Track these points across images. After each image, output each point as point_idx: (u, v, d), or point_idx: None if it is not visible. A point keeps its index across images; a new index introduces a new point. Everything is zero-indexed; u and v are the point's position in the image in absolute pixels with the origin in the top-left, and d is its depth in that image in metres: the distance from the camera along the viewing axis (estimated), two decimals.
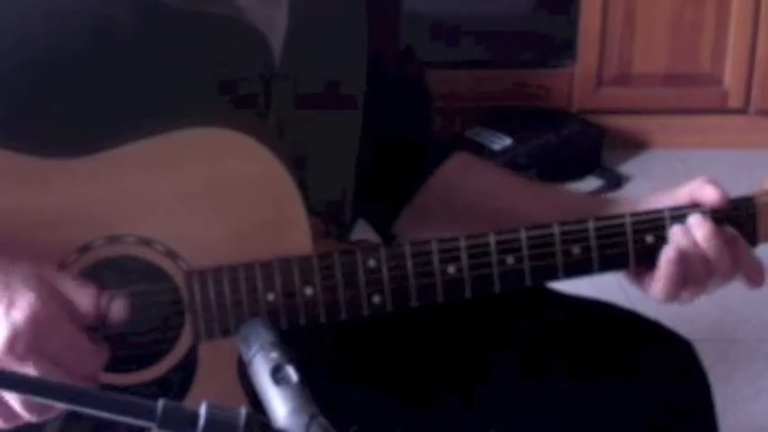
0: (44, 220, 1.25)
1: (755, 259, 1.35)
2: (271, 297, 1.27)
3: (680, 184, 1.38)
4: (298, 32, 1.35)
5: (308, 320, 1.28)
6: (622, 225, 1.32)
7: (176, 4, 1.27)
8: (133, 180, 1.26)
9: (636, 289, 1.38)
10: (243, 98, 1.32)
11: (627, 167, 3.54)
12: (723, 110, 3.65)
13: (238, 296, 1.27)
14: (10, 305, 1.18)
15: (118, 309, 1.24)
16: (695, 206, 1.34)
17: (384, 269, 1.29)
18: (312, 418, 0.95)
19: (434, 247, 1.30)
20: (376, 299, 1.30)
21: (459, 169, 1.52)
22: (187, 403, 0.93)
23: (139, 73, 1.27)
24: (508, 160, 3.39)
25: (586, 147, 3.52)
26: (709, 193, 1.33)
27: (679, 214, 1.33)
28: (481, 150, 3.39)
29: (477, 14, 3.59)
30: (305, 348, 1.13)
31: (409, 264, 1.30)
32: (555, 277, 1.33)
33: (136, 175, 1.26)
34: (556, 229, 1.31)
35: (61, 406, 0.96)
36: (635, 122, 3.65)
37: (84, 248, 1.25)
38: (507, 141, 3.44)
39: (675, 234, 1.32)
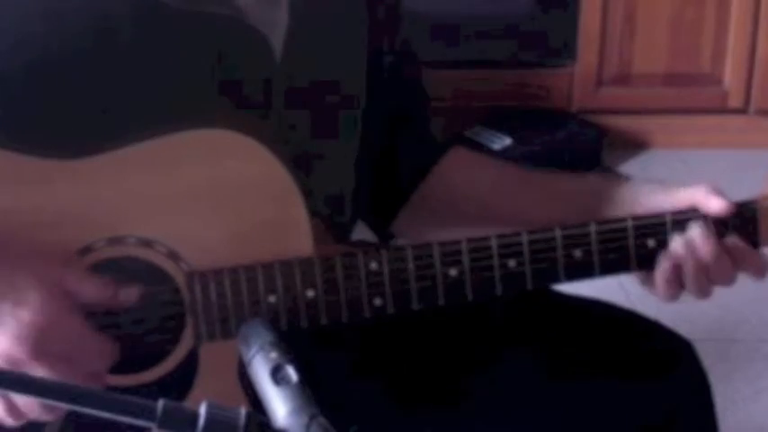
0: (45, 221, 1.25)
1: (758, 258, 1.35)
2: (272, 299, 1.27)
3: (680, 184, 1.38)
4: (298, 32, 1.35)
5: (309, 322, 1.28)
6: (624, 229, 1.32)
7: (176, 4, 1.27)
8: (134, 181, 1.26)
9: (638, 289, 1.38)
10: (244, 99, 1.32)
11: (627, 167, 3.54)
12: (723, 110, 3.65)
13: (239, 298, 1.27)
14: (16, 304, 1.19)
15: (127, 294, 1.25)
16: (696, 210, 1.33)
17: (386, 271, 1.29)
18: (312, 418, 0.95)
19: (436, 249, 1.30)
20: (377, 301, 1.30)
21: (457, 165, 1.52)
22: (188, 404, 0.93)
23: (140, 73, 1.27)
24: (508, 160, 3.38)
25: (586, 146, 3.52)
26: (714, 205, 1.33)
27: (681, 219, 1.33)
28: (481, 150, 3.39)
29: (476, 14, 3.59)
30: (305, 348, 1.13)
31: (411, 266, 1.29)
32: (556, 280, 1.33)
33: (137, 176, 1.25)
34: (557, 233, 1.31)
35: (61, 406, 0.96)
36: (635, 122, 3.65)
37: (86, 249, 1.25)
38: (507, 141, 3.44)
39: (676, 248, 1.32)
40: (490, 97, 3.61)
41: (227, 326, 1.27)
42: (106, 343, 1.24)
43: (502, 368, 1.44)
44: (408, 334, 1.43)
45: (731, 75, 3.62)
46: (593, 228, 1.32)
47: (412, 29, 1.55)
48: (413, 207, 1.52)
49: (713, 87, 3.64)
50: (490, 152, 3.40)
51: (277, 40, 1.34)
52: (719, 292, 1.37)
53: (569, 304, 1.49)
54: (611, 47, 3.59)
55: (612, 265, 1.33)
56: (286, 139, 1.34)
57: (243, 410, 0.92)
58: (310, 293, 1.28)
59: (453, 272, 1.30)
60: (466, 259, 1.30)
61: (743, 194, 1.36)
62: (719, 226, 1.32)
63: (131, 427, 0.92)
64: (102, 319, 1.26)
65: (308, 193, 1.29)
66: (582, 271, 1.32)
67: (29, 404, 1.20)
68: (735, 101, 3.64)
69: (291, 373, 1.01)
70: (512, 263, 1.31)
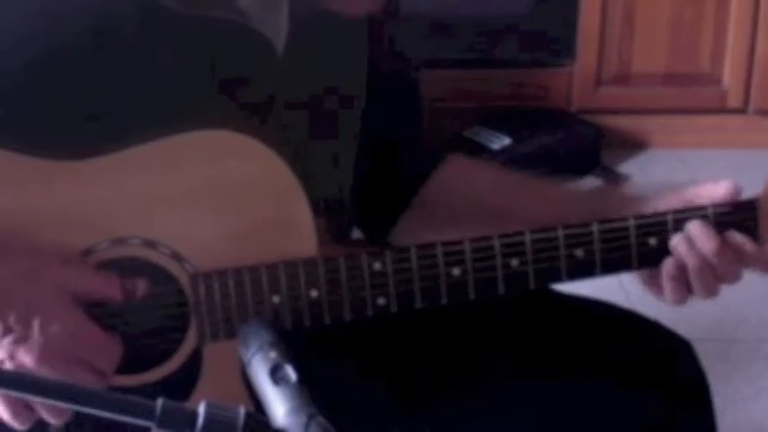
0: (47, 222, 1.25)
1: (762, 251, 1.34)
2: (276, 299, 1.28)
3: (680, 184, 1.38)
4: (298, 36, 1.35)
5: (312, 322, 1.29)
6: (626, 228, 1.32)
7: (177, 7, 1.27)
8: (136, 182, 1.26)
9: (637, 289, 1.38)
10: (246, 101, 1.32)
11: (626, 167, 3.54)
12: (722, 110, 3.65)
13: (243, 298, 1.27)
14: (46, 321, 1.19)
15: (134, 288, 1.26)
16: (698, 209, 1.33)
17: (389, 271, 1.29)
18: (311, 417, 0.95)
19: (439, 249, 1.30)
20: (380, 301, 1.30)
21: (454, 173, 1.52)
22: (191, 405, 0.93)
23: (140, 75, 1.27)
24: (507, 160, 3.38)
25: (585, 146, 3.52)
26: (721, 187, 1.33)
27: (682, 217, 1.33)
28: (480, 150, 3.39)
29: (476, 14, 3.59)
30: (304, 348, 1.13)
31: (414, 266, 1.30)
32: (558, 280, 1.33)
33: (138, 177, 1.26)
34: (560, 233, 1.31)
35: (61, 406, 0.96)
36: (634, 122, 3.65)
37: (89, 251, 1.26)
38: (506, 141, 3.44)
39: (677, 245, 1.32)
40: (489, 97, 3.61)
41: (230, 326, 1.27)
42: (112, 341, 1.24)
43: (501, 368, 1.44)
44: (408, 334, 1.43)
45: (730, 75, 3.62)
46: (595, 227, 1.32)
47: (411, 28, 1.55)
48: (412, 213, 1.52)
49: (712, 87, 3.64)
50: (489, 152, 3.40)
51: (279, 43, 1.34)
52: (719, 292, 1.37)
53: (569, 304, 1.50)
54: (611, 47, 3.59)
55: (614, 265, 1.33)
56: (286, 141, 1.34)
57: (242, 410, 0.92)
58: (314, 293, 1.28)
59: (456, 271, 1.30)
60: (469, 259, 1.30)
61: (742, 194, 1.36)
62: (720, 225, 1.32)
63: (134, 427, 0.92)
64: (107, 319, 1.26)
65: (307, 195, 1.29)
66: (584, 270, 1.32)
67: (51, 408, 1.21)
68: (734, 101, 3.64)
69: (290, 372, 1.01)
70: (514, 262, 1.31)
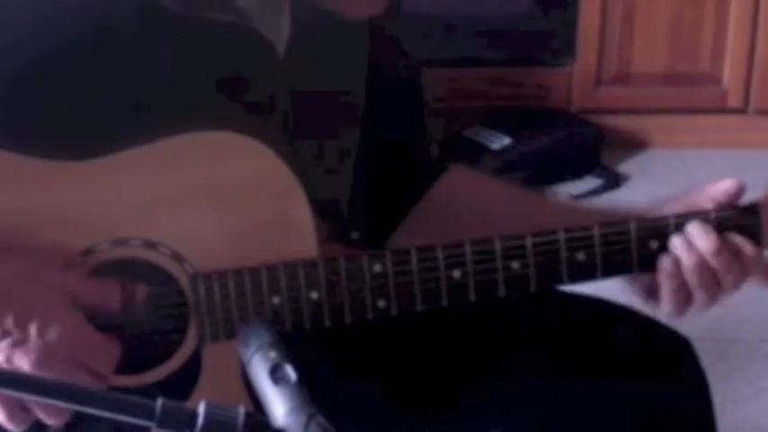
0: (48, 222, 1.25)
1: (761, 257, 1.34)
2: (276, 300, 1.28)
3: (679, 184, 1.38)
4: (300, 39, 1.35)
5: (312, 324, 1.29)
6: (627, 231, 1.32)
7: (177, 8, 1.27)
8: (137, 183, 1.26)
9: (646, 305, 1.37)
10: (248, 102, 1.32)
11: (626, 167, 3.54)
12: (722, 109, 3.65)
13: (243, 299, 1.27)
14: (44, 324, 1.19)
15: (141, 293, 1.26)
16: (701, 212, 1.33)
17: (390, 273, 1.29)
18: (311, 417, 0.95)
19: (440, 251, 1.30)
20: (381, 303, 1.30)
21: (456, 183, 1.52)
22: (190, 405, 0.93)
23: (140, 76, 1.27)
24: (507, 160, 3.39)
25: (585, 146, 3.52)
26: (724, 184, 1.33)
27: (684, 221, 1.32)
28: (480, 150, 3.39)
29: (475, 13, 3.59)
30: (304, 347, 1.13)
31: (415, 268, 1.30)
32: (559, 282, 1.33)
33: (139, 178, 1.26)
34: (561, 235, 1.31)
35: (61, 406, 0.96)
36: (634, 122, 3.65)
37: (89, 251, 1.26)
38: (506, 141, 3.44)
39: (678, 248, 1.31)
40: (489, 97, 3.61)
41: (230, 327, 1.27)
42: (111, 343, 1.24)
43: (501, 367, 1.44)
44: (408, 333, 1.43)
45: (730, 74, 3.62)
46: (596, 230, 1.32)
47: (410, 27, 1.55)
48: (412, 220, 1.51)
49: (712, 87, 3.64)
50: (489, 152, 3.40)
51: (281, 45, 1.34)
52: (718, 298, 1.36)
53: (569, 302, 1.49)
54: (611, 46, 3.59)
55: (616, 267, 1.33)
56: (287, 142, 1.34)
57: (242, 410, 0.93)
58: (314, 295, 1.28)
59: (457, 274, 1.30)
60: (469, 261, 1.30)
61: (745, 192, 1.35)
62: (722, 228, 1.32)
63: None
64: (106, 319, 1.26)
65: (308, 196, 1.29)
66: (585, 273, 1.32)
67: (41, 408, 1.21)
68: (734, 100, 3.64)
69: (290, 372, 1.01)
70: (515, 265, 1.31)
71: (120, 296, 1.25)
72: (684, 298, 1.32)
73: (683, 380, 1.45)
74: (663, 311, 1.34)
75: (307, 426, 0.94)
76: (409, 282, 1.30)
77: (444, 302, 1.31)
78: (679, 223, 1.32)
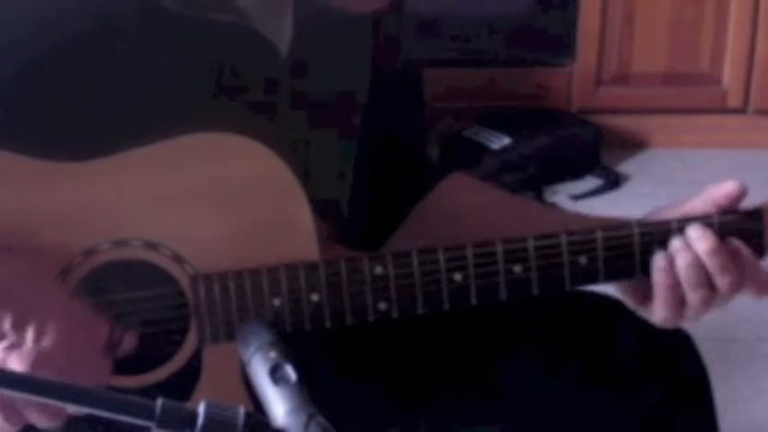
0: (48, 223, 1.25)
1: (762, 270, 1.33)
2: (276, 302, 1.27)
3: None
4: (303, 40, 1.35)
5: (313, 325, 1.28)
6: (630, 236, 1.31)
7: (177, 8, 1.27)
8: (137, 183, 1.26)
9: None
10: (249, 103, 1.32)
11: (626, 167, 3.54)
12: (722, 109, 3.65)
13: (244, 301, 1.27)
14: (40, 330, 1.20)
15: (128, 342, 1.26)
16: (704, 216, 1.32)
17: (391, 276, 1.29)
18: (311, 417, 0.95)
19: (441, 254, 1.30)
20: (382, 305, 1.30)
21: (453, 191, 1.52)
22: (191, 406, 0.93)
23: (140, 76, 1.27)
24: (507, 160, 3.39)
25: (585, 146, 3.52)
26: (726, 186, 1.32)
27: (686, 225, 1.32)
28: (480, 150, 3.39)
29: (475, 13, 3.59)
30: (304, 347, 1.13)
31: (416, 271, 1.29)
32: (562, 286, 1.32)
33: (140, 179, 1.26)
34: (563, 239, 1.31)
35: (61, 405, 0.96)
36: (634, 122, 3.65)
37: (90, 251, 1.25)
38: (506, 141, 3.44)
39: (675, 248, 1.31)
40: (489, 97, 3.61)
41: (231, 328, 1.27)
42: (106, 360, 1.24)
43: (501, 367, 1.44)
44: (407, 333, 1.43)
45: (730, 74, 3.62)
46: (599, 234, 1.31)
47: (410, 27, 1.55)
48: (405, 231, 1.51)
49: (712, 87, 3.64)
50: (489, 152, 3.40)
51: (283, 46, 1.34)
52: (711, 305, 1.34)
53: (569, 298, 1.49)
54: (611, 46, 3.59)
55: (618, 272, 1.32)
56: (288, 142, 1.34)
57: (242, 410, 0.92)
58: (315, 297, 1.28)
59: (458, 277, 1.30)
60: (471, 264, 1.30)
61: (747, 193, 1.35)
62: (724, 233, 1.31)
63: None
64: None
65: (309, 197, 1.29)
66: (587, 277, 1.32)
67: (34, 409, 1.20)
68: (734, 100, 3.64)
69: (290, 372, 1.01)
70: (517, 268, 1.30)
71: (107, 338, 1.24)
72: (677, 299, 1.31)
73: (685, 377, 1.45)
74: (655, 315, 1.33)
75: (307, 426, 0.94)
76: (410, 284, 1.29)
77: (446, 306, 1.30)
78: (681, 227, 1.32)
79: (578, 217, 1.52)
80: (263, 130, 1.30)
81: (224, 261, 1.27)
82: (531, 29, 3.59)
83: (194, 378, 1.28)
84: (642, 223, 1.32)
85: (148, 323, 1.28)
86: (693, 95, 3.65)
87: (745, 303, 1.35)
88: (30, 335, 1.19)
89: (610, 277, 1.33)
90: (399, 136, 1.51)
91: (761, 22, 3.56)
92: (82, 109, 1.25)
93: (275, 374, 1.01)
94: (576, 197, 3.37)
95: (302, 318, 1.28)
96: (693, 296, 1.30)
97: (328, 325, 1.29)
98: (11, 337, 1.19)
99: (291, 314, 1.28)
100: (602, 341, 1.46)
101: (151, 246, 1.26)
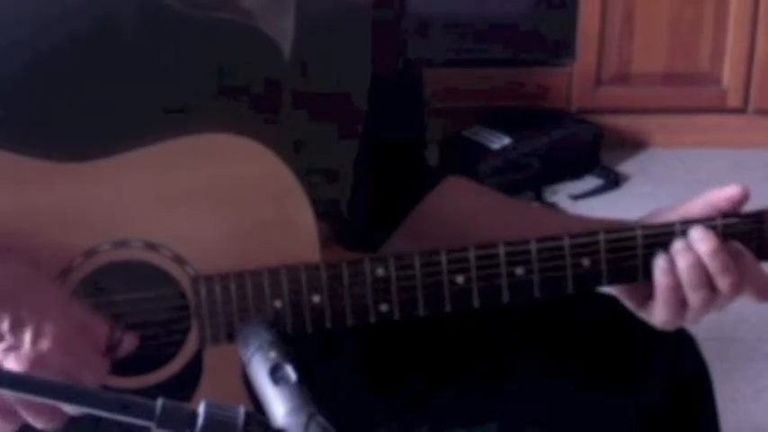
0: (48, 223, 1.25)
1: (763, 273, 1.33)
2: (278, 304, 1.27)
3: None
4: (304, 40, 1.35)
5: (314, 327, 1.28)
6: (633, 238, 1.31)
7: (180, 7, 1.27)
8: (137, 184, 1.26)
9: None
10: (251, 102, 1.32)
11: (626, 167, 3.54)
12: (722, 109, 3.65)
13: (245, 302, 1.27)
14: (38, 332, 1.19)
15: (128, 343, 1.25)
16: (707, 219, 1.31)
17: (392, 278, 1.29)
18: (311, 417, 0.95)
19: (443, 256, 1.29)
20: (383, 307, 1.29)
21: (450, 194, 1.51)
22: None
23: (142, 76, 1.27)
24: (507, 160, 3.39)
25: (585, 146, 3.52)
26: (729, 190, 1.32)
27: (690, 228, 1.31)
28: (480, 150, 3.39)
29: (475, 13, 3.59)
30: (303, 347, 1.13)
31: (418, 273, 1.29)
32: (564, 289, 1.31)
33: (140, 180, 1.25)
34: (566, 242, 1.30)
35: (61, 405, 0.96)
36: (634, 122, 3.65)
37: (90, 252, 1.25)
38: (506, 141, 3.44)
39: (676, 249, 1.30)
40: (489, 97, 3.61)
41: (231, 330, 1.27)
42: (101, 355, 1.24)
43: (500, 365, 1.44)
44: (407, 333, 1.43)
45: (730, 74, 3.62)
46: (601, 236, 1.31)
47: (410, 27, 1.55)
48: (403, 233, 1.51)
49: (712, 87, 3.64)
50: (489, 152, 3.40)
51: (285, 45, 1.34)
52: (712, 306, 1.34)
53: (571, 298, 1.49)
54: (610, 46, 3.59)
55: (621, 275, 1.31)
56: (290, 142, 1.34)
57: (242, 410, 0.92)
58: (316, 299, 1.28)
59: (460, 279, 1.29)
60: (473, 267, 1.29)
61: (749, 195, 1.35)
62: (727, 236, 1.30)
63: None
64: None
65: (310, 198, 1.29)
66: (590, 280, 1.31)
67: (26, 409, 1.20)
68: (733, 100, 3.64)
69: (290, 372, 1.01)
70: (519, 271, 1.30)
71: (107, 339, 1.24)
72: (678, 301, 1.31)
73: (687, 377, 1.45)
74: (656, 317, 1.33)
75: (307, 426, 0.94)
76: (412, 286, 1.29)
77: (448, 308, 1.30)
78: (685, 230, 1.31)
79: (579, 219, 1.51)
80: (265, 130, 1.30)
81: (224, 262, 1.27)
82: (531, 29, 3.60)
83: (195, 379, 1.28)
84: (645, 225, 1.32)
85: (149, 324, 1.28)
86: (693, 95, 3.65)
87: (745, 303, 1.35)
88: (27, 337, 1.19)
89: (613, 280, 1.32)
90: (400, 136, 1.51)
91: (761, 22, 3.56)
92: (82, 109, 1.25)
93: (275, 374, 1.01)
94: (576, 197, 3.37)
95: (303, 319, 1.28)
96: (694, 297, 1.30)
97: (329, 326, 1.29)
98: (8, 339, 1.19)
99: (292, 315, 1.28)
100: (603, 339, 1.46)
101: (152, 246, 1.26)
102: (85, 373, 1.21)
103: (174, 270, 1.27)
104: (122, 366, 1.26)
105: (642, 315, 1.35)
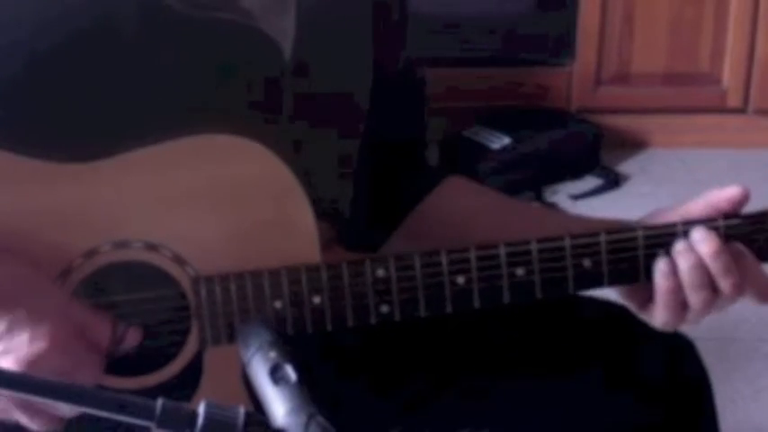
0: (48, 224, 1.25)
1: (764, 275, 1.32)
2: (278, 304, 1.27)
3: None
4: (305, 40, 1.35)
5: (314, 328, 1.28)
6: (634, 239, 1.31)
7: (180, 7, 1.27)
8: (138, 184, 1.25)
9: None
10: (252, 102, 1.32)
11: (626, 167, 3.54)
12: (722, 109, 3.66)
13: (245, 303, 1.27)
14: (34, 334, 1.19)
15: (132, 338, 1.25)
16: (709, 220, 1.31)
17: (393, 279, 1.29)
18: (311, 417, 0.95)
19: (444, 257, 1.29)
20: (384, 308, 1.29)
21: (450, 194, 1.51)
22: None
23: (142, 76, 1.27)
24: (507, 159, 3.39)
25: (585, 146, 3.52)
26: (729, 190, 1.31)
27: (691, 229, 1.31)
28: (480, 150, 3.39)
29: (475, 13, 3.59)
30: (305, 347, 1.13)
31: (418, 274, 1.29)
32: (565, 290, 1.31)
33: (140, 180, 1.25)
34: (567, 242, 1.30)
35: (60, 405, 0.96)
36: (634, 121, 3.65)
37: (91, 253, 1.25)
38: (506, 140, 3.44)
39: (678, 250, 1.30)
40: (489, 96, 3.61)
41: (232, 330, 1.27)
42: (97, 357, 1.24)
43: (501, 368, 1.44)
44: (407, 334, 1.43)
45: (730, 74, 3.62)
46: (603, 237, 1.30)
47: (410, 27, 1.55)
48: (403, 233, 1.51)
49: (712, 87, 3.64)
50: (489, 151, 3.40)
51: (286, 45, 1.34)
52: (713, 307, 1.34)
53: (570, 302, 1.49)
54: (610, 46, 3.60)
55: (622, 275, 1.31)
56: (291, 142, 1.34)
57: (242, 410, 0.93)
58: (316, 300, 1.28)
59: (461, 280, 1.29)
60: (474, 267, 1.29)
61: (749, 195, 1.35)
62: (729, 237, 1.30)
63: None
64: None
65: (311, 198, 1.29)
66: (591, 281, 1.31)
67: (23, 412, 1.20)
68: (733, 100, 3.65)
69: (290, 372, 1.01)
70: (520, 271, 1.30)
71: (109, 337, 1.24)
72: (679, 302, 1.30)
73: (686, 382, 1.45)
74: (656, 318, 1.32)
75: (307, 426, 0.94)
76: (413, 287, 1.29)
77: (448, 309, 1.30)
78: (686, 231, 1.31)
79: (579, 219, 1.51)
80: (265, 130, 1.30)
81: (225, 262, 1.27)
82: (531, 29, 3.60)
83: (195, 380, 1.28)
84: (647, 226, 1.32)
85: (149, 325, 1.28)
86: (693, 95, 3.65)
87: (744, 304, 1.35)
88: (24, 337, 1.19)
89: (614, 281, 1.32)
90: (401, 136, 1.51)
91: (761, 22, 3.56)
92: (82, 109, 1.25)
93: (275, 374, 1.01)
94: (576, 197, 3.37)
95: (304, 320, 1.28)
96: (695, 298, 1.30)
97: (330, 327, 1.29)
98: (4, 341, 1.19)
99: (293, 316, 1.28)
100: (603, 343, 1.46)
101: (152, 247, 1.26)
102: (85, 374, 1.21)
103: (174, 270, 1.27)
104: (123, 367, 1.26)
105: (643, 316, 1.34)
